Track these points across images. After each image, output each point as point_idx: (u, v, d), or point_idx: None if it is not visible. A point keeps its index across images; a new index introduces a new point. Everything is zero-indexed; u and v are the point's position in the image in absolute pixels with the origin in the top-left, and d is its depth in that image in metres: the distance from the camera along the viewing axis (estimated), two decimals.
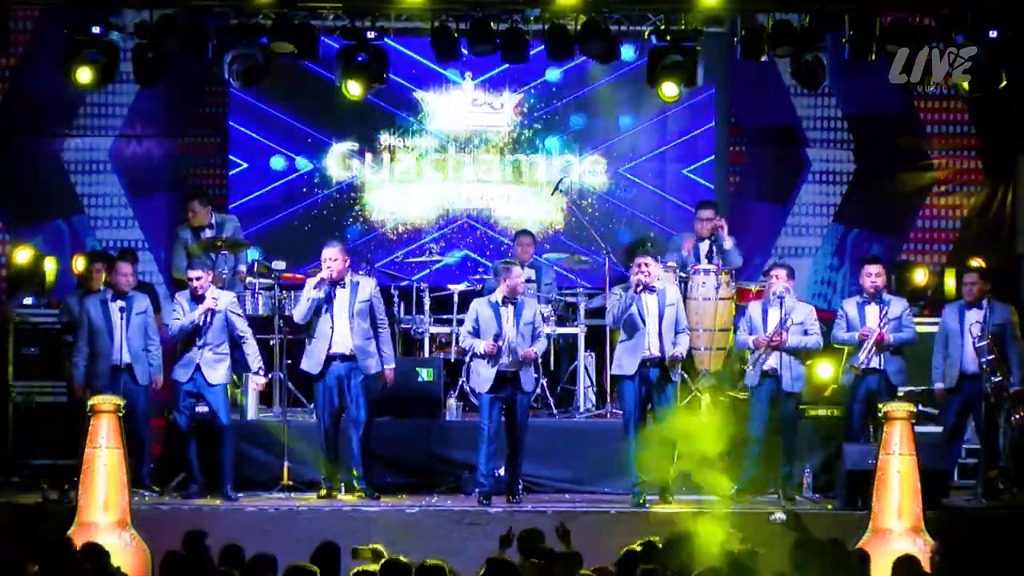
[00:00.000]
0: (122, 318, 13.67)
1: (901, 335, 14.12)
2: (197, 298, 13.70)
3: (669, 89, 14.79)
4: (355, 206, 17.13)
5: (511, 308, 13.88)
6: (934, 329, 14.52)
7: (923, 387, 14.43)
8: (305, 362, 13.81)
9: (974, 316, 14.10)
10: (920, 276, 16.18)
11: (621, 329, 13.80)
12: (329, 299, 13.67)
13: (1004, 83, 14.32)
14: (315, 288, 13.61)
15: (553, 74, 16.99)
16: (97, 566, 9.40)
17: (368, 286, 13.88)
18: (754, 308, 14.25)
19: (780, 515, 9.94)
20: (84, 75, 14.36)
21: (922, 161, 17.35)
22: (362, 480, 13.69)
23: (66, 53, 14.52)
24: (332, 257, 13.74)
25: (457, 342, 14.95)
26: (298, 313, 13.78)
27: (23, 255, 15.75)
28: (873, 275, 14.21)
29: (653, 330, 13.67)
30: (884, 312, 14.04)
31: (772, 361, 13.89)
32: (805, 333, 13.98)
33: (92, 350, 13.84)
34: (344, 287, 13.73)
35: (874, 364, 13.95)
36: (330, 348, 13.68)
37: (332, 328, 13.67)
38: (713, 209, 15.75)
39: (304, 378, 15.19)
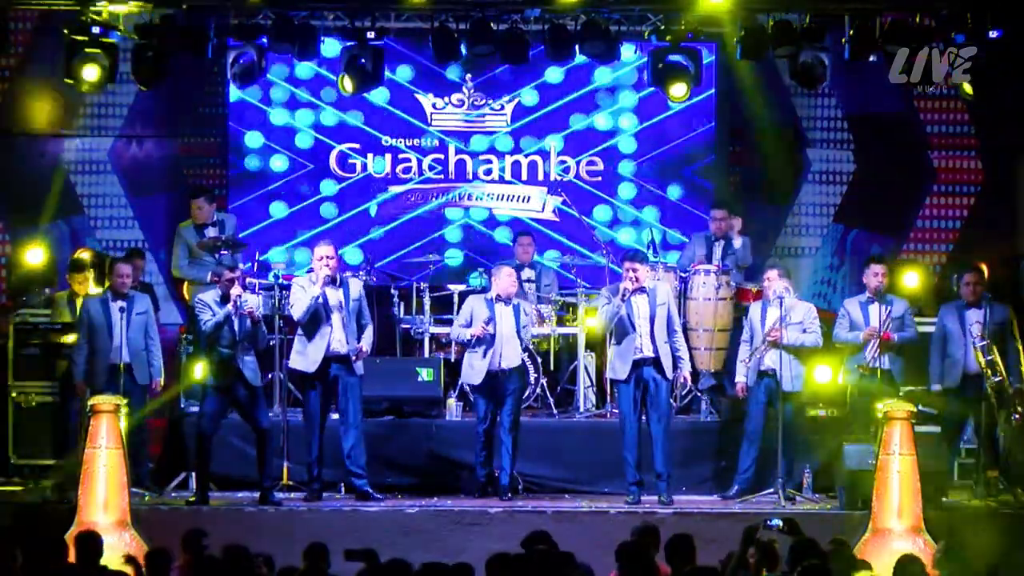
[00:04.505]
0: (122, 318, 13.65)
1: (904, 334, 14.12)
2: (225, 298, 13.53)
3: (678, 90, 14.82)
4: (355, 206, 17.13)
5: (508, 308, 13.89)
6: (931, 329, 14.48)
7: (922, 387, 14.38)
8: (299, 360, 13.72)
9: (974, 316, 14.09)
10: (912, 278, 16.05)
11: (612, 333, 13.78)
12: (324, 298, 13.64)
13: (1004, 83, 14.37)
14: (323, 286, 13.55)
15: (553, 74, 17.00)
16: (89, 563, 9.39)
17: (357, 285, 13.89)
18: (754, 310, 14.22)
19: (778, 521, 9.99)
20: (90, 73, 14.34)
21: (922, 161, 17.35)
22: (363, 479, 13.67)
23: (66, 53, 14.53)
24: (330, 255, 13.71)
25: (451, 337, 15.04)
26: (299, 311, 13.62)
27: (36, 255, 15.70)
28: (879, 274, 14.20)
29: (645, 331, 13.61)
30: (888, 312, 14.02)
31: (769, 360, 13.89)
32: (804, 331, 13.96)
33: (92, 348, 13.83)
34: (337, 286, 13.72)
35: (882, 364, 13.93)
36: (328, 348, 13.65)
37: (331, 327, 13.66)
38: (726, 209, 15.77)
39: (303, 378, 15.22)
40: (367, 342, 13.78)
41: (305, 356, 13.68)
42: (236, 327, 13.42)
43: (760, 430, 13.94)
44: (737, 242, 15.48)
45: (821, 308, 15.45)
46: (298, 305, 13.65)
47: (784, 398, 13.79)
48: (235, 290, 13.45)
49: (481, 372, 13.84)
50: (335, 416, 13.88)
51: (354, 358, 13.65)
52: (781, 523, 10.03)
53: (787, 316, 13.90)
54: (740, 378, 14.08)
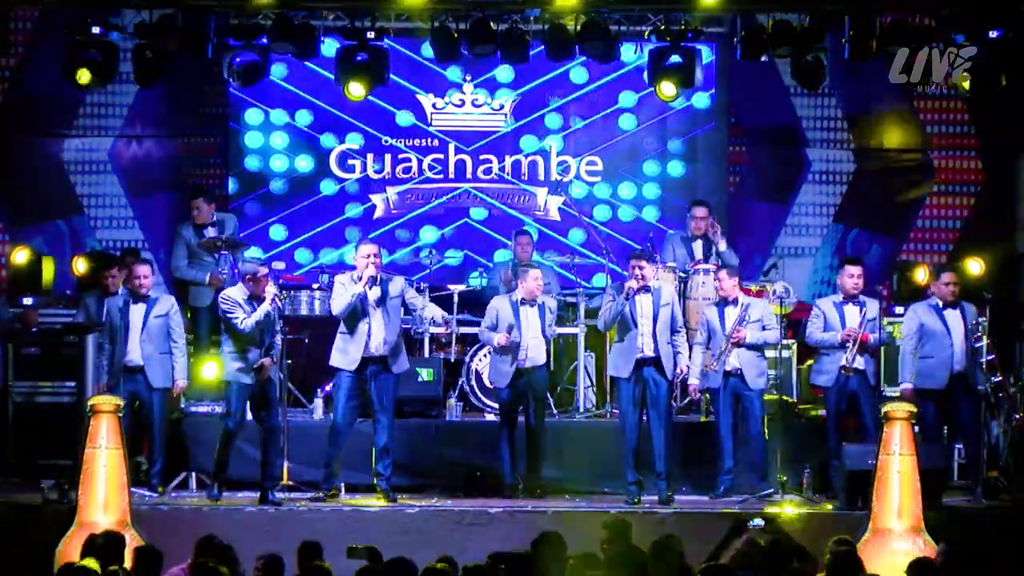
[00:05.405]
0: (124, 317, 13.65)
1: (879, 336, 14.09)
2: (254, 297, 13.45)
3: (668, 89, 14.85)
4: (356, 207, 17.14)
5: (534, 308, 13.93)
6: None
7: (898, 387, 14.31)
8: (339, 358, 13.66)
9: (956, 315, 13.97)
10: (921, 275, 16.09)
11: (615, 330, 13.80)
12: (363, 297, 13.60)
13: (1004, 83, 14.36)
14: (367, 285, 13.52)
15: (554, 74, 17.00)
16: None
17: (398, 283, 13.84)
18: (711, 312, 14.11)
19: (759, 521, 10.01)
20: (84, 76, 14.37)
21: (922, 161, 17.36)
22: (386, 481, 13.68)
23: (66, 53, 14.54)
24: (375, 253, 13.66)
25: (456, 341, 15.26)
26: (338, 307, 13.57)
27: (21, 255, 15.74)
28: (855, 276, 14.13)
29: (647, 331, 13.61)
30: (863, 313, 13.99)
31: (733, 360, 13.88)
32: (763, 328, 13.93)
33: (110, 349, 13.83)
34: (376, 285, 13.70)
35: (857, 364, 13.91)
36: (367, 347, 13.60)
37: (369, 326, 13.65)
38: (707, 207, 15.72)
39: (304, 378, 15.23)
40: (437, 313, 14.16)
41: (346, 354, 13.64)
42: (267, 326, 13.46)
43: (731, 430, 13.90)
44: (722, 245, 15.43)
45: None
46: (338, 301, 13.61)
47: (752, 397, 13.80)
48: (271, 288, 13.46)
49: (508, 374, 13.88)
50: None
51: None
52: (763, 523, 10.06)
53: (746, 315, 13.89)
54: (693, 380, 14.02)
